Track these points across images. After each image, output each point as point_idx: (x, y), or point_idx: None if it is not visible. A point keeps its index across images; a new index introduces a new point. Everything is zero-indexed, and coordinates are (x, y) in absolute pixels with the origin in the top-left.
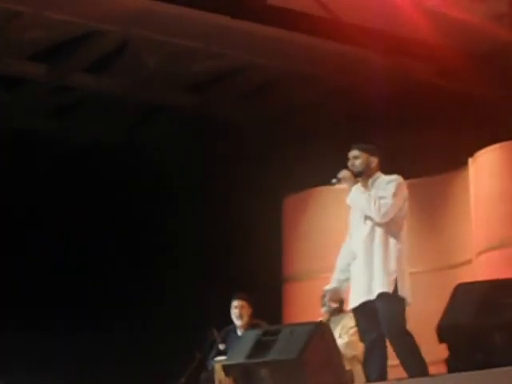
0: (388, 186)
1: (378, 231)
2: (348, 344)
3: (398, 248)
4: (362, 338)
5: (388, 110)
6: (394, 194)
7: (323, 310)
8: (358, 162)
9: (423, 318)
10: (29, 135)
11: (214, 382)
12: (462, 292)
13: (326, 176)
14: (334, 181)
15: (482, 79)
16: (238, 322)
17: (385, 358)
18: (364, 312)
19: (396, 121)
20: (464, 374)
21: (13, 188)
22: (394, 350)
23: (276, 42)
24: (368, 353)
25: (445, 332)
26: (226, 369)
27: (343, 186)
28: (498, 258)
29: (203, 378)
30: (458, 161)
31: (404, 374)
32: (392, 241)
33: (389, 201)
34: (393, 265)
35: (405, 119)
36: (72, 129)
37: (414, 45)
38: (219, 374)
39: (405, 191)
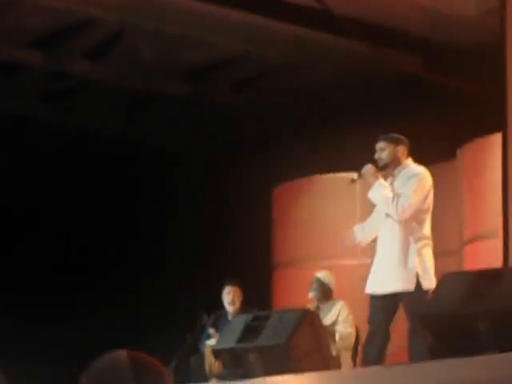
0: (409, 181)
1: (399, 227)
2: (347, 334)
3: (418, 244)
4: (370, 321)
5: (378, 103)
6: (414, 191)
7: (311, 294)
8: (384, 154)
9: None
10: (25, 121)
11: (204, 366)
12: (448, 281)
13: (316, 166)
14: (355, 178)
15: (472, 72)
16: (230, 308)
17: (386, 343)
18: (383, 302)
19: (385, 112)
20: (448, 360)
21: (10, 173)
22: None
23: (269, 32)
24: (371, 335)
25: (430, 320)
26: (216, 353)
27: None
28: (484, 249)
29: (193, 362)
30: (446, 152)
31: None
32: (412, 237)
33: (407, 199)
34: (412, 261)
35: (393, 111)
36: (68, 115)
37: (402, 37)
38: (209, 358)
39: (427, 185)
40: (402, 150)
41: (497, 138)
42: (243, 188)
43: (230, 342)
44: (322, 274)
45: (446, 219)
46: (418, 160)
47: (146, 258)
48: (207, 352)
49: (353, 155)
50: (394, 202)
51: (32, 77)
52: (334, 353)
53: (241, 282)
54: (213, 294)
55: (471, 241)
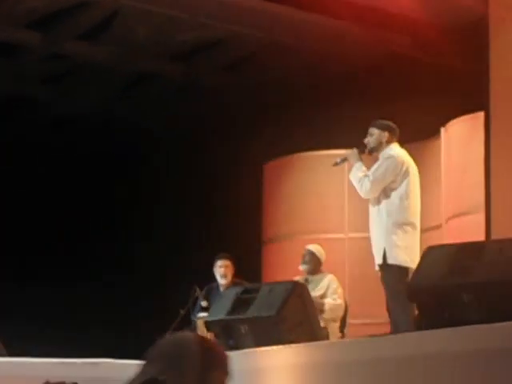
0: (379, 163)
1: (377, 208)
2: (337, 306)
3: (393, 225)
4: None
5: (366, 81)
6: (380, 173)
7: (302, 267)
8: (371, 139)
9: None
10: (22, 101)
11: None
12: (432, 254)
13: (304, 143)
14: (338, 160)
15: (457, 52)
16: (222, 281)
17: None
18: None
19: (372, 91)
20: (432, 331)
21: (5, 151)
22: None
23: (259, 13)
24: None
25: (414, 292)
26: (208, 325)
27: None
28: (466, 224)
29: None
30: (430, 130)
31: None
32: (385, 215)
33: (369, 179)
34: (382, 238)
35: (381, 89)
36: (64, 94)
37: (391, 18)
38: (201, 329)
39: (396, 167)
40: (387, 136)
41: (480, 116)
42: (234, 164)
43: (222, 314)
44: (313, 247)
45: (429, 195)
46: (404, 138)
47: (139, 232)
48: (199, 324)
49: (342, 133)
50: (360, 182)
51: (29, 57)
52: (322, 324)
53: (232, 256)
54: (204, 267)
55: (453, 216)
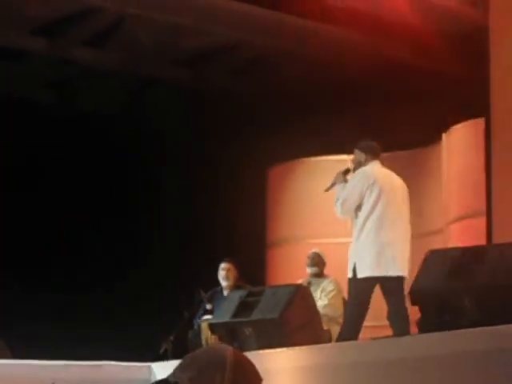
0: (347, 184)
1: (351, 222)
2: (327, 306)
3: (360, 237)
4: None
5: (369, 88)
6: (346, 192)
7: (310, 269)
8: (353, 160)
9: None
10: (29, 106)
11: (200, 339)
12: (434, 258)
13: (309, 148)
14: (329, 185)
15: (457, 59)
16: (224, 283)
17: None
18: None
19: (374, 98)
20: (434, 334)
21: (13, 156)
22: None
23: (264, 20)
24: None
25: (417, 295)
26: (212, 327)
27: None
28: (468, 228)
29: (191, 336)
30: (433, 136)
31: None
32: (356, 230)
33: (339, 201)
34: (353, 252)
35: (384, 96)
36: (69, 100)
37: (393, 26)
38: (206, 332)
39: (364, 182)
40: (364, 156)
41: (480, 122)
42: (239, 168)
43: (226, 317)
44: (319, 250)
45: (432, 200)
46: (406, 143)
47: (143, 235)
48: (204, 326)
49: (346, 138)
50: (335, 204)
51: (35, 63)
52: (325, 327)
53: (236, 260)
54: (209, 270)
55: (455, 220)
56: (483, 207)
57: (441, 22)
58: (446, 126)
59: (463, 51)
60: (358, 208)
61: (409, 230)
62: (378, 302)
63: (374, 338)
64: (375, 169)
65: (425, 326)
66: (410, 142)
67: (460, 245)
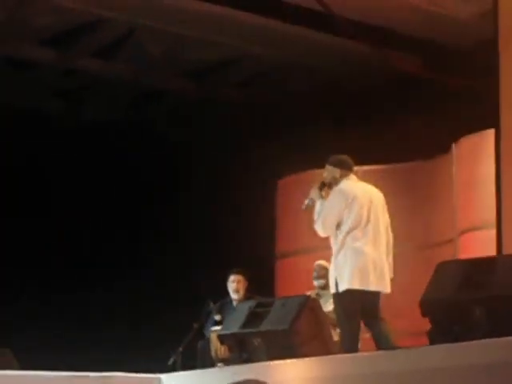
0: (326, 202)
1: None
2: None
3: (340, 253)
4: None
5: (378, 99)
6: (326, 210)
7: (317, 282)
8: (326, 175)
9: (408, 293)
10: (37, 116)
11: (210, 350)
12: (444, 269)
13: (318, 160)
14: (306, 202)
15: (467, 71)
16: (234, 296)
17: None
18: None
19: (386, 109)
20: (445, 345)
21: (21, 167)
22: None
23: (272, 32)
24: None
25: (427, 306)
26: (222, 338)
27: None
28: (478, 239)
29: (200, 347)
30: (442, 147)
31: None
32: (337, 246)
33: (320, 220)
34: (334, 268)
35: (394, 108)
36: (77, 110)
37: (402, 38)
38: (215, 342)
39: (344, 200)
40: (339, 171)
41: (490, 133)
42: (248, 180)
43: (235, 328)
44: (324, 262)
45: (442, 210)
46: (416, 154)
47: (154, 246)
48: (213, 337)
49: (355, 150)
50: (316, 222)
51: (45, 73)
52: (334, 338)
53: (244, 271)
54: (218, 282)
55: (465, 231)
56: (493, 218)
57: (450, 35)
58: (455, 137)
59: (473, 63)
60: (338, 226)
61: (390, 242)
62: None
63: (385, 350)
64: (352, 185)
65: (435, 338)
66: (420, 152)
67: (470, 256)
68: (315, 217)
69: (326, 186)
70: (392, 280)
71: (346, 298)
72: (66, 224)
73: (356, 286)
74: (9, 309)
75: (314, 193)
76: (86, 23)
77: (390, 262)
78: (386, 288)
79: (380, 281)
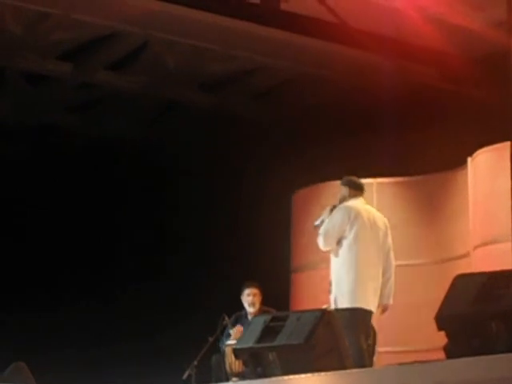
0: (329, 217)
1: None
2: None
3: (341, 270)
4: None
5: (393, 112)
6: (328, 225)
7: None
8: (338, 194)
9: (424, 307)
10: (54, 130)
11: (224, 364)
12: (460, 283)
13: (333, 171)
14: (317, 222)
15: (482, 82)
16: (250, 309)
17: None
18: None
19: (401, 122)
20: (461, 360)
21: (36, 178)
22: None
23: (288, 45)
24: None
25: (444, 320)
26: (236, 352)
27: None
28: (494, 252)
29: (214, 361)
30: (457, 160)
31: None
32: (338, 265)
33: (321, 233)
34: (334, 286)
35: (409, 120)
36: (94, 124)
37: (417, 50)
38: (230, 357)
39: (346, 216)
40: (348, 190)
41: (506, 146)
42: (263, 192)
43: (250, 342)
44: None
45: (458, 224)
46: (431, 167)
47: (170, 259)
48: (228, 351)
49: (370, 162)
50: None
51: (60, 87)
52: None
53: (259, 284)
54: (233, 296)
55: (481, 245)
56: (509, 231)
57: (465, 46)
58: (470, 150)
59: (488, 74)
60: (339, 242)
61: (392, 266)
62: (399, 326)
63: (401, 364)
64: (357, 204)
65: (452, 352)
66: (435, 165)
67: (486, 269)
68: (319, 231)
69: (338, 204)
70: (407, 294)
71: (346, 315)
72: (86, 238)
73: (355, 304)
74: (25, 323)
75: (325, 214)
76: (101, 36)
77: (390, 286)
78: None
79: (375, 301)
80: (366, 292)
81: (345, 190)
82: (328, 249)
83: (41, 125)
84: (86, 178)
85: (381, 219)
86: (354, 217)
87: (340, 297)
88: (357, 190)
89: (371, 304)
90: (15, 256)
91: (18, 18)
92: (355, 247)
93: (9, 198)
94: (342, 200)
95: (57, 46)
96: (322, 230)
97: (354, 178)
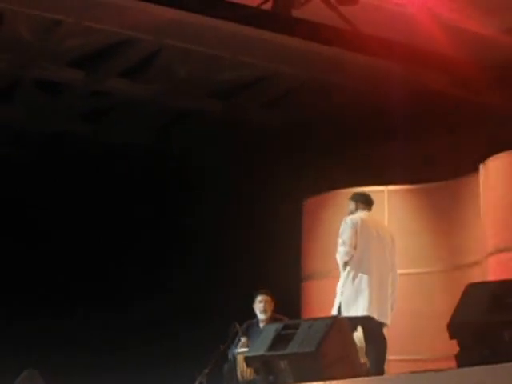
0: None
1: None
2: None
3: (347, 281)
4: None
5: (405, 119)
6: (345, 236)
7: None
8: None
9: (436, 315)
10: (66, 137)
11: (236, 372)
12: (472, 291)
13: (344, 179)
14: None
15: (495, 89)
16: (262, 316)
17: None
18: None
19: (413, 129)
20: (473, 368)
21: (48, 185)
22: None
23: (299, 52)
24: None
25: (455, 329)
26: (248, 360)
27: None
28: (506, 260)
29: (226, 369)
30: (469, 167)
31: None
32: (349, 278)
33: (340, 243)
34: (337, 294)
35: (421, 127)
36: (106, 131)
37: (430, 56)
38: (241, 364)
39: (354, 226)
40: (353, 204)
41: None
42: (274, 200)
43: (262, 350)
44: None
45: (470, 231)
46: (443, 174)
47: (180, 268)
48: (239, 359)
49: (382, 169)
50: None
51: (72, 95)
52: (362, 360)
53: (271, 292)
54: (244, 304)
55: (494, 253)
56: None
57: (478, 52)
58: (483, 157)
59: (500, 81)
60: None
61: (396, 280)
62: (409, 334)
63: (412, 372)
64: (362, 216)
65: (464, 360)
66: (447, 172)
67: (498, 277)
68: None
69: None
70: (418, 302)
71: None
72: (100, 246)
73: (360, 313)
74: (38, 331)
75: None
76: (114, 44)
77: (394, 298)
78: (386, 320)
79: (382, 312)
80: (371, 301)
81: (352, 205)
82: (346, 259)
83: (53, 131)
84: (97, 184)
85: (388, 233)
86: (361, 227)
87: (344, 304)
88: (364, 204)
89: (375, 313)
90: (28, 263)
91: (31, 25)
92: (361, 256)
93: (23, 205)
94: (350, 214)
95: (69, 54)
96: (340, 241)
97: (362, 193)
